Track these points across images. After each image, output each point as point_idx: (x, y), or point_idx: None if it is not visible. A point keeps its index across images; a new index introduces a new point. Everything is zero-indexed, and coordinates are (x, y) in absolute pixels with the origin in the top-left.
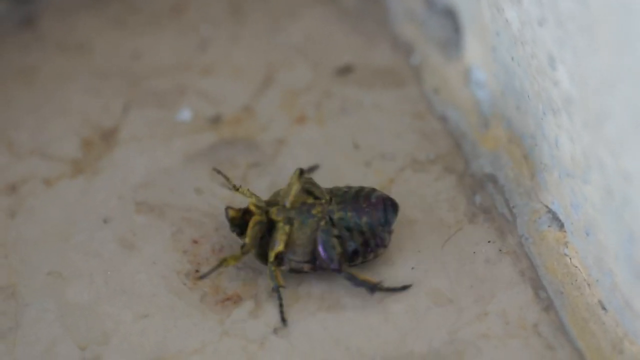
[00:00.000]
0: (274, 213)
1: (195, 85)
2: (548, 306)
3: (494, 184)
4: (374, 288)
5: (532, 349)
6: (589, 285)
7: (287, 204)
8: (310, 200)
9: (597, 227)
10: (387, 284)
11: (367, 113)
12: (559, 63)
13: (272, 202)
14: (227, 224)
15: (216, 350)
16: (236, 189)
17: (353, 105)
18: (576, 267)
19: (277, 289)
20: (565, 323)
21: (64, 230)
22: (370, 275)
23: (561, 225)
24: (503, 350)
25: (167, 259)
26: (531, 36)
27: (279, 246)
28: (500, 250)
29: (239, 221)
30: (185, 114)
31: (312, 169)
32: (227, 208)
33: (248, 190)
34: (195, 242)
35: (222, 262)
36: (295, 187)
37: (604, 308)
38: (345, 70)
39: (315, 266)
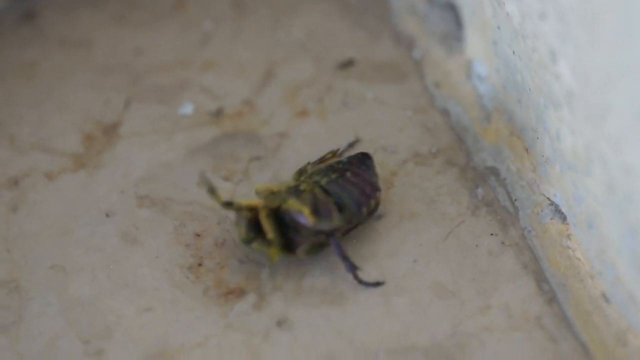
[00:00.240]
0: (269, 203)
1: (197, 80)
2: (551, 299)
3: (496, 177)
4: (351, 269)
5: (535, 341)
6: (591, 277)
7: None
8: (292, 184)
9: (600, 220)
10: (366, 278)
11: (368, 107)
12: (560, 57)
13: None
14: (229, 217)
15: (219, 343)
16: (228, 205)
17: (355, 99)
18: (579, 259)
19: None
20: (569, 316)
21: (66, 225)
22: (372, 266)
23: (564, 218)
24: (506, 343)
25: (170, 252)
26: (532, 30)
27: (307, 215)
28: (502, 243)
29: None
30: (187, 109)
31: (352, 144)
32: (239, 210)
33: (239, 202)
34: (197, 235)
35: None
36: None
37: (607, 300)
38: (347, 65)
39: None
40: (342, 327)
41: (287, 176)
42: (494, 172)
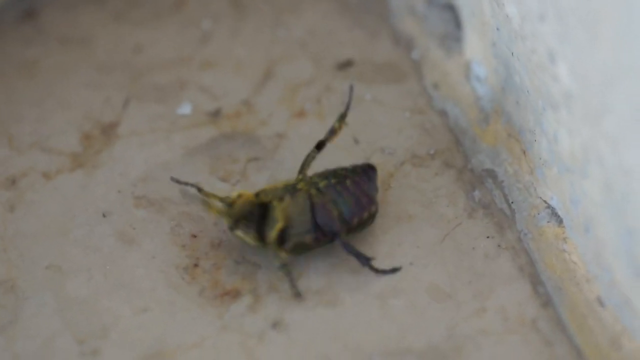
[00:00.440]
0: (262, 196)
1: (196, 80)
2: (547, 302)
3: (493, 180)
4: (366, 262)
5: (530, 344)
6: (587, 281)
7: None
8: (291, 182)
9: (597, 223)
10: (378, 266)
11: (367, 108)
12: (559, 58)
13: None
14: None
15: (215, 344)
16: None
17: (353, 100)
18: (575, 263)
19: (284, 267)
20: (564, 319)
21: (63, 224)
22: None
23: (560, 221)
24: (502, 345)
25: (166, 253)
26: (531, 31)
27: (278, 223)
28: (499, 245)
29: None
30: (186, 108)
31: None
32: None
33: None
34: (194, 236)
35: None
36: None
37: (602, 304)
38: (345, 65)
39: (316, 236)
40: (337, 329)
41: (284, 177)
42: (491, 174)
